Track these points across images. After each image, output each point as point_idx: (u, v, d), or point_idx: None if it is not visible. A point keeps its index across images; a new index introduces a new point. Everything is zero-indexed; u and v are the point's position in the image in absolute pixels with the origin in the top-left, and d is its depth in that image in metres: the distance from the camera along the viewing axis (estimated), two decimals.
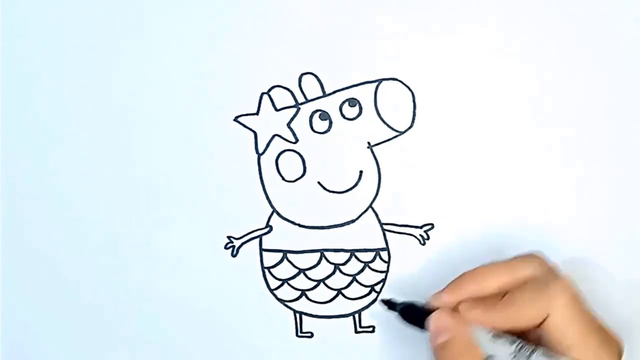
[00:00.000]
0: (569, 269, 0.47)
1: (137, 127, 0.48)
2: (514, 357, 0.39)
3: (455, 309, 0.41)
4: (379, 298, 0.47)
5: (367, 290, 0.48)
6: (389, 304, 0.44)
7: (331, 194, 0.47)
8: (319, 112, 0.47)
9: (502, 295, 0.41)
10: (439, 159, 0.47)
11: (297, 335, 0.48)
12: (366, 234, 0.47)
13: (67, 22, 0.48)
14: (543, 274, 0.41)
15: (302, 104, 0.47)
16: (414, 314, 0.43)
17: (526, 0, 0.46)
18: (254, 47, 0.47)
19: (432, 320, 0.41)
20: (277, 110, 0.47)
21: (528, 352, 0.39)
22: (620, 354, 0.40)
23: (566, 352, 0.39)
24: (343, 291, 0.48)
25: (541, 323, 0.39)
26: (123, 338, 0.49)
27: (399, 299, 0.44)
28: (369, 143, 0.47)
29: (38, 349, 0.49)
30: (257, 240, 0.48)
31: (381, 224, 0.47)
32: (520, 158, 0.47)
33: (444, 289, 0.42)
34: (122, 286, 0.48)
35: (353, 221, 0.48)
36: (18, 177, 0.49)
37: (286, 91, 0.47)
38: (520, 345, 0.39)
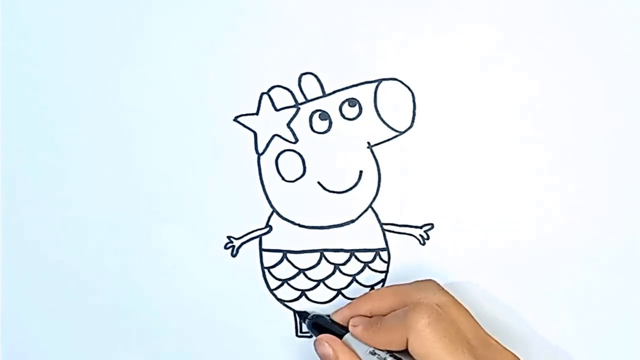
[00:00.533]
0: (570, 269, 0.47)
1: (137, 127, 0.48)
2: None
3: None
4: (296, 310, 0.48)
5: (367, 290, 0.48)
6: (301, 315, 0.47)
7: (331, 194, 0.47)
8: (318, 112, 0.47)
9: None
10: (439, 159, 0.47)
11: (297, 335, 0.48)
12: (366, 234, 0.47)
13: (68, 20, 0.48)
14: (429, 298, 0.42)
15: (302, 104, 0.47)
16: (323, 326, 0.45)
17: (526, 0, 0.46)
18: (254, 47, 0.47)
19: (316, 347, 0.44)
20: (277, 110, 0.47)
21: None
22: None
23: None
24: (343, 291, 0.48)
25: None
26: (123, 338, 0.49)
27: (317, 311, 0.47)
28: (368, 143, 0.47)
29: (38, 349, 0.49)
30: (257, 240, 0.48)
31: (381, 224, 0.47)
32: (520, 158, 0.47)
33: (346, 305, 0.45)
34: (122, 286, 0.48)
35: (353, 221, 0.48)
36: (18, 178, 0.49)
37: (286, 91, 0.47)
38: None
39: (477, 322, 0.43)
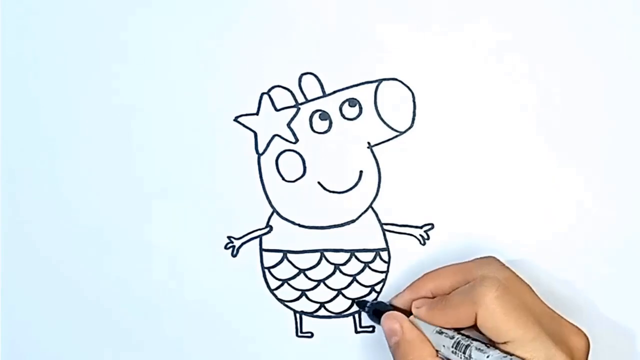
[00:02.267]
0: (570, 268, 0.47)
1: (137, 127, 0.48)
2: (453, 352, 0.40)
3: None
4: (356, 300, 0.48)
5: (367, 290, 0.48)
6: (360, 304, 0.47)
7: (331, 194, 0.47)
8: (319, 112, 0.47)
9: None
10: (439, 159, 0.47)
11: (297, 335, 0.48)
12: (366, 234, 0.47)
13: (68, 21, 0.48)
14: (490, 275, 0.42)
15: (302, 104, 0.47)
16: (382, 313, 0.45)
17: (526, 1, 0.46)
18: (254, 47, 0.47)
19: (383, 323, 0.44)
20: (277, 110, 0.47)
21: (463, 347, 0.40)
22: (582, 348, 0.41)
23: (504, 346, 0.39)
24: (343, 291, 0.48)
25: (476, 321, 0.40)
26: (123, 338, 0.49)
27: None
28: (369, 143, 0.47)
29: (38, 349, 0.49)
30: (257, 240, 0.48)
31: (381, 224, 0.47)
32: (520, 158, 0.47)
33: (406, 288, 0.45)
34: (122, 286, 0.48)
35: (353, 221, 0.48)
36: (18, 177, 0.48)
37: (286, 91, 0.47)
38: (458, 340, 0.40)
39: (539, 297, 0.42)
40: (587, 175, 0.47)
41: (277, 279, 0.48)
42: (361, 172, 0.47)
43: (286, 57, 0.47)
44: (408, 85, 0.47)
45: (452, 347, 0.40)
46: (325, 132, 0.47)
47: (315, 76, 0.47)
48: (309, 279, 0.48)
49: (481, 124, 0.47)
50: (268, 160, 0.47)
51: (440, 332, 0.41)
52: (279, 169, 0.47)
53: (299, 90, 0.47)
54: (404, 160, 0.47)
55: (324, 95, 0.47)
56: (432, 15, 0.46)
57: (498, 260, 0.44)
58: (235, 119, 0.47)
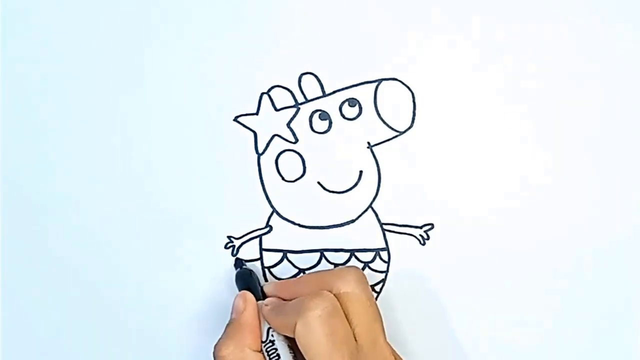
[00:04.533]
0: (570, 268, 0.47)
1: (137, 127, 0.48)
2: (267, 353, 0.42)
3: None
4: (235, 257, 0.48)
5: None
6: (237, 263, 0.47)
7: (331, 194, 0.47)
8: (318, 112, 0.47)
9: None
10: (439, 159, 0.47)
11: None
12: (366, 234, 0.47)
13: (68, 22, 0.48)
14: (346, 287, 0.42)
15: (302, 104, 0.47)
16: (248, 283, 0.46)
17: (526, 2, 0.46)
18: (254, 47, 0.47)
19: (236, 296, 0.45)
20: (276, 110, 0.47)
21: (273, 354, 0.42)
22: None
23: None
24: None
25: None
26: (122, 338, 0.49)
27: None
28: (368, 143, 0.47)
29: (38, 349, 0.49)
30: (257, 240, 0.48)
31: (381, 224, 0.47)
32: (520, 158, 0.47)
33: (279, 282, 0.46)
34: (122, 286, 0.48)
35: (353, 221, 0.48)
36: (19, 177, 0.48)
37: (286, 91, 0.47)
38: (270, 346, 0.42)
39: (381, 324, 0.42)
40: (587, 176, 0.47)
41: (277, 278, 0.48)
42: (361, 172, 0.47)
43: (286, 57, 0.47)
44: (408, 85, 0.47)
45: (267, 349, 0.42)
46: (325, 132, 0.47)
47: (315, 76, 0.47)
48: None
49: (481, 123, 0.47)
50: (268, 160, 0.47)
51: (270, 332, 0.43)
52: (278, 169, 0.47)
53: (298, 90, 0.47)
54: (403, 160, 0.47)
55: (324, 95, 0.47)
56: (432, 16, 0.46)
57: (357, 271, 0.43)
58: (235, 119, 0.47)
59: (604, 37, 0.46)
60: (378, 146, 0.47)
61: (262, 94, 0.47)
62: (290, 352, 0.42)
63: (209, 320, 0.48)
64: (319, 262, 0.48)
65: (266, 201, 0.48)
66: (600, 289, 0.47)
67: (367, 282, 0.43)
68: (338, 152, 0.47)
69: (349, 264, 0.47)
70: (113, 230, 0.48)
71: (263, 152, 0.47)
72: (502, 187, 0.47)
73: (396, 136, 0.47)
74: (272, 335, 0.43)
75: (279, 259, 0.48)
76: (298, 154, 0.47)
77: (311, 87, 0.47)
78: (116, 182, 0.48)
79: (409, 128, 0.47)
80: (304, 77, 0.47)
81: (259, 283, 0.46)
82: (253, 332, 0.43)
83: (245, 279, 0.46)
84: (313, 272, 0.45)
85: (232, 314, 0.44)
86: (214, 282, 0.48)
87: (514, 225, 0.47)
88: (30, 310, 0.49)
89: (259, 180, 0.48)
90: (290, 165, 0.47)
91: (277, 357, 0.42)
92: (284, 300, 0.44)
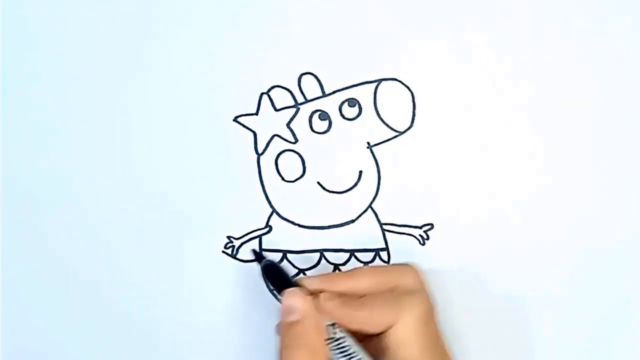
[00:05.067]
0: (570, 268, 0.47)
1: (137, 127, 0.48)
2: (340, 352, 0.40)
3: (316, 295, 0.42)
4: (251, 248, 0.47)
5: None
6: (257, 256, 0.45)
7: (331, 194, 0.47)
8: (318, 112, 0.47)
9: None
10: (439, 159, 0.47)
11: None
12: (366, 234, 0.47)
13: (69, 21, 0.48)
14: (409, 285, 0.41)
15: (301, 104, 0.47)
16: (277, 278, 0.43)
17: (526, 2, 0.46)
18: (254, 47, 0.47)
19: (286, 295, 0.41)
20: (276, 110, 0.47)
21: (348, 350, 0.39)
22: None
23: None
24: None
25: (386, 331, 0.39)
26: (122, 338, 0.49)
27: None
28: (368, 143, 0.47)
29: (38, 349, 0.49)
30: (257, 240, 0.48)
31: (381, 224, 0.47)
32: (519, 158, 0.47)
33: (320, 276, 0.43)
34: (121, 286, 0.48)
35: (353, 221, 0.47)
36: (18, 177, 0.49)
37: (286, 91, 0.47)
38: (340, 344, 0.40)
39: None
40: (587, 176, 0.47)
41: None
42: (361, 172, 0.47)
43: (286, 57, 0.47)
44: (408, 85, 0.47)
45: (337, 346, 0.39)
46: (325, 132, 0.47)
47: (315, 76, 0.47)
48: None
49: (481, 124, 0.47)
50: (268, 160, 0.47)
51: (333, 326, 0.40)
52: (278, 169, 0.47)
53: (298, 90, 0.47)
54: (403, 160, 0.47)
55: (324, 95, 0.47)
56: (432, 16, 0.46)
57: (415, 269, 0.43)
58: (235, 119, 0.47)
59: (605, 37, 0.46)
60: (378, 146, 0.47)
61: (262, 94, 0.47)
62: (358, 345, 0.40)
63: (209, 320, 0.48)
64: (318, 262, 0.48)
65: (266, 201, 0.48)
66: (600, 289, 0.47)
67: (422, 276, 0.43)
68: (338, 152, 0.47)
69: (348, 264, 0.47)
70: (113, 230, 0.48)
71: (263, 152, 0.48)
72: (502, 187, 0.47)
73: (396, 136, 0.47)
74: (335, 332, 0.40)
75: (278, 259, 0.48)
76: (298, 154, 0.47)
77: (311, 87, 0.47)
78: (116, 182, 0.48)
79: (409, 128, 0.47)
80: (304, 77, 0.47)
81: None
82: (320, 331, 0.40)
83: (279, 273, 0.43)
84: (368, 267, 0.44)
85: (287, 315, 0.40)
86: (214, 281, 0.48)
87: (514, 225, 0.47)
88: (30, 310, 0.49)
89: (258, 180, 0.48)
90: (290, 165, 0.47)
91: (347, 353, 0.39)
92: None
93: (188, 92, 0.47)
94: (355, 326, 0.41)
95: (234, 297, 0.48)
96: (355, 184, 0.47)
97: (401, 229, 0.47)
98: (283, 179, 0.47)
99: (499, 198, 0.47)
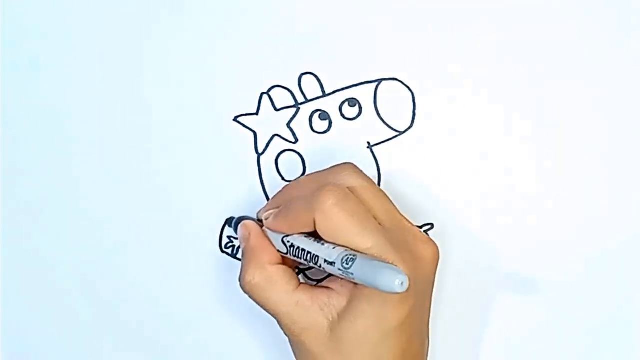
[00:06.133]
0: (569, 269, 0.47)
1: (137, 127, 0.48)
2: (294, 255, 0.40)
3: None
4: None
5: None
6: (228, 221, 0.47)
7: None
8: (318, 112, 0.47)
9: None
10: (439, 159, 0.47)
11: None
12: None
13: (71, 20, 0.48)
14: (347, 182, 0.41)
15: (302, 104, 0.47)
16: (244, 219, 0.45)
17: (528, 1, 0.46)
18: (254, 47, 0.47)
19: (238, 232, 0.44)
20: (276, 110, 0.47)
21: (299, 251, 0.40)
22: (430, 257, 0.41)
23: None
24: None
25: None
26: (121, 337, 0.49)
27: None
28: (368, 143, 0.47)
29: (38, 349, 0.49)
30: None
31: None
32: (519, 158, 0.47)
33: (274, 196, 0.45)
34: (121, 286, 0.48)
35: None
36: (18, 177, 0.48)
37: (286, 91, 0.47)
38: (292, 243, 0.40)
39: (394, 206, 0.42)
40: (588, 176, 0.47)
41: None
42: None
43: (286, 57, 0.47)
44: (408, 85, 0.47)
45: (294, 255, 0.40)
46: (325, 132, 0.47)
47: (315, 76, 0.47)
48: (309, 279, 0.48)
49: (481, 123, 0.47)
50: (268, 160, 0.47)
51: (286, 239, 0.41)
52: (278, 169, 0.47)
53: (298, 90, 0.47)
54: (403, 160, 0.47)
55: (324, 95, 0.47)
56: (432, 15, 0.46)
57: (354, 166, 0.42)
58: (235, 119, 0.47)
59: (605, 37, 0.46)
60: (378, 146, 0.47)
61: (262, 94, 0.47)
62: (317, 241, 0.40)
63: (208, 320, 0.48)
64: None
65: (266, 201, 0.47)
66: (600, 289, 0.47)
67: (363, 172, 0.42)
68: (338, 152, 0.47)
69: None
70: (112, 230, 0.48)
71: (263, 152, 0.47)
72: (502, 187, 0.47)
73: (396, 136, 0.47)
74: (289, 242, 0.41)
75: None
76: (298, 154, 0.47)
77: (311, 87, 0.47)
78: (115, 182, 0.48)
79: (409, 128, 0.47)
80: (304, 77, 0.47)
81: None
82: (266, 249, 0.42)
83: (241, 219, 0.45)
84: (306, 176, 0.44)
85: (241, 247, 0.43)
86: (213, 282, 0.48)
87: (514, 225, 0.47)
88: (29, 309, 0.49)
89: (259, 180, 0.48)
90: (290, 165, 0.47)
91: (308, 255, 0.39)
92: None
93: (188, 92, 0.47)
94: (292, 231, 0.41)
95: (233, 297, 0.48)
96: None
97: None
98: (283, 178, 0.47)
99: (499, 198, 0.47)
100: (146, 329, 0.48)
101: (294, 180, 0.45)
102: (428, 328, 0.42)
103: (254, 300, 0.41)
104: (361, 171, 0.42)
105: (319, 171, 0.43)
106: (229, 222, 0.47)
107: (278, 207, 0.43)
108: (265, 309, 0.41)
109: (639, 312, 0.47)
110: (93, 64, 0.48)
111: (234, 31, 0.47)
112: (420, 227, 0.47)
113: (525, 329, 0.47)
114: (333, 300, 0.40)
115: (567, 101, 0.46)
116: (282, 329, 0.41)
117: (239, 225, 0.44)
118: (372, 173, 0.47)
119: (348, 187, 0.40)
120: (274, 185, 0.47)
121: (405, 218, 0.42)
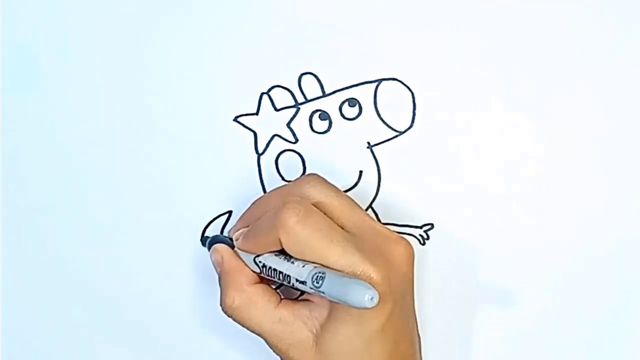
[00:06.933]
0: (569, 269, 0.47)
1: (136, 127, 0.48)
2: (268, 275, 0.40)
3: None
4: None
5: None
6: (202, 240, 0.47)
7: None
8: (318, 112, 0.47)
9: None
10: (439, 159, 0.47)
11: None
12: None
13: (72, 20, 0.48)
14: (311, 195, 0.41)
15: (301, 104, 0.47)
16: (217, 240, 0.45)
17: (526, 1, 0.46)
18: (254, 47, 0.47)
19: (210, 258, 0.43)
20: (276, 110, 0.47)
21: (270, 270, 0.40)
22: (403, 257, 0.40)
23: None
24: None
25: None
26: (120, 337, 0.49)
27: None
28: (368, 143, 0.47)
29: (38, 348, 0.49)
30: None
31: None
32: (519, 158, 0.47)
33: (242, 214, 0.44)
34: (121, 286, 0.48)
35: None
36: (17, 176, 0.48)
37: (286, 91, 0.47)
38: (264, 264, 0.40)
39: (363, 211, 0.41)
40: (588, 176, 0.47)
41: None
42: (361, 172, 0.47)
43: (286, 57, 0.47)
44: (408, 85, 0.47)
45: (267, 275, 0.40)
46: (325, 132, 0.47)
47: (315, 76, 0.47)
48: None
49: (481, 123, 0.47)
50: (268, 160, 0.47)
51: (258, 260, 0.41)
52: (278, 169, 0.47)
53: (298, 90, 0.47)
54: (403, 160, 0.47)
55: (324, 95, 0.47)
56: (432, 15, 0.46)
57: (318, 177, 0.42)
58: (235, 119, 0.47)
59: (605, 37, 0.46)
60: (378, 146, 0.47)
61: (262, 94, 0.47)
62: (287, 259, 0.40)
63: (209, 319, 0.48)
64: None
65: None
66: (600, 288, 0.47)
67: (328, 182, 0.42)
68: (338, 152, 0.47)
69: None
70: (112, 230, 0.48)
71: (263, 152, 0.47)
72: (501, 187, 0.47)
73: (396, 136, 0.47)
74: (260, 262, 0.41)
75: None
76: (298, 154, 0.47)
77: (311, 87, 0.47)
78: (116, 183, 0.48)
79: (409, 128, 0.47)
80: (304, 77, 0.47)
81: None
82: (241, 270, 0.42)
83: (214, 240, 0.45)
84: (273, 190, 0.43)
85: (217, 272, 0.43)
86: (214, 282, 0.48)
87: (514, 225, 0.47)
88: (29, 309, 0.49)
89: (259, 180, 0.48)
90: (290, 165, 0.47)
91: (280, 274, 0.39)
92: None
93: (188, 92, 0.47)
94: (261, 251, 0.41)
95: None
96: (356, 184, 0.47)
97: (401, 228, 0.47)
98: (283, 178, 0.47)
99: (499, 198, 0.47)
100: (146, 329, 0.48)
101: (262, 195, 0.44)
102: (416, 326, 0.42)
103: (238, 322, 0.41)
104: (325, 181, 0.42)
105: (284, 185, 0.43)
106: (203, 241, 0.47)
107: (247, 226, 0.43)
108: (250, 330, 0.41)
109: (638, 312, 0.47)
110: (93, 64, 0.48)
111: (234, 31, 0.47)
112: (420, 227, 0.47)
113: (526, 329, 0.47)
114: (314, 312, 0.40)
115: (568, 101, 0.46)
116: (270, 347, 0.41)
117: (211, 251, 0.44)
118: (372, 173, 0.47)
119: (312, 200, 0.40)
120: (274, 185, 0.47)
121: (375, 220, 0.42)
